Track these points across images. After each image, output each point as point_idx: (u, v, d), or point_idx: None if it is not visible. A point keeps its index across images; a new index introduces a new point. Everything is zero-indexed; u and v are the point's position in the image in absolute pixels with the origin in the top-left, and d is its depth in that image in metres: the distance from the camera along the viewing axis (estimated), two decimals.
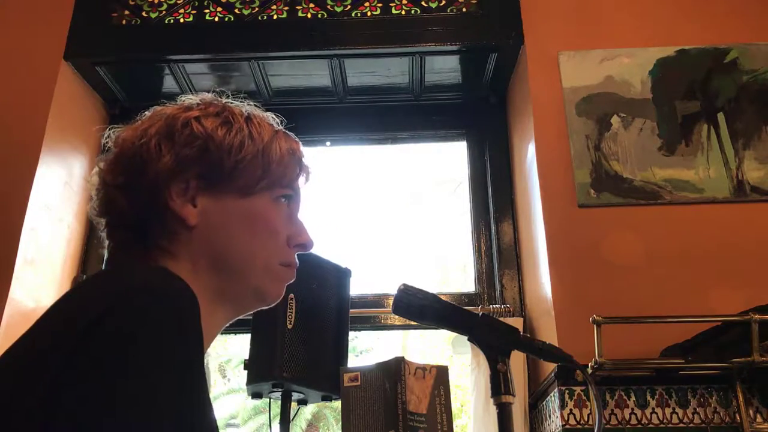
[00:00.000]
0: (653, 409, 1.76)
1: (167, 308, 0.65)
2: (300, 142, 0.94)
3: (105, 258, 0.89)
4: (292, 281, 0.90)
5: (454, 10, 2.37)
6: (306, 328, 1.60)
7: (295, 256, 0.91)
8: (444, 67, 2.46)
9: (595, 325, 1.67)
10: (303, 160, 0.93)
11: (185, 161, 0.84)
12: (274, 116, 0.94)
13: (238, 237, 0.85)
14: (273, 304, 0.90)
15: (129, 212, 0.83)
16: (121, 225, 0.85)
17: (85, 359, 0.59)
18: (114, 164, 0.86)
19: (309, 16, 2.39)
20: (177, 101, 0.92)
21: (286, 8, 2.41)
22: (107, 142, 0.90)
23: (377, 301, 2.34)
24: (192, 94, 0.93)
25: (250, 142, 0.87)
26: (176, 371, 0.62)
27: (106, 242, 0.87)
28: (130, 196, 0.84)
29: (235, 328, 0.91)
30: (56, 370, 0.59)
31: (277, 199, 0.89)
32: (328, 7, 2.40)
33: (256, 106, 0.94)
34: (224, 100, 0.92)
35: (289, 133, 0.94)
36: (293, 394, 1.60)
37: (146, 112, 0.92)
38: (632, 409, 1.76)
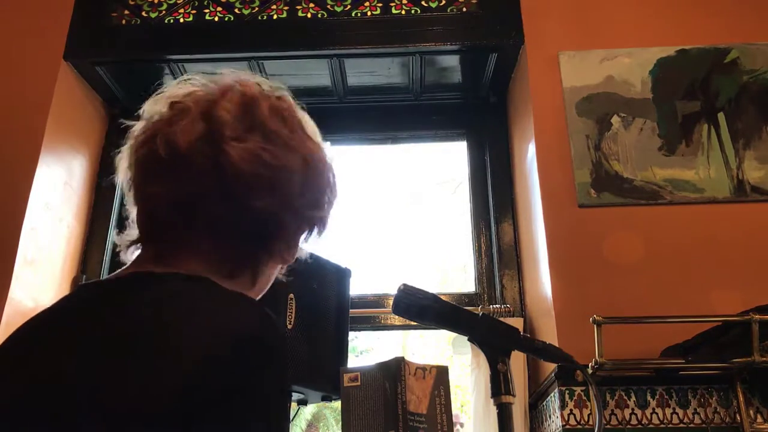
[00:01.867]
0: (653, 409, 1.76)
1: (281, 362, 0.67)
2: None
3: (139, 271, 0.80)
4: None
5: (454, 10, 2.37)
6: (306, 328, 1.59)
7: None
8: (444, 67, 2.46)
9: (595, 325, 1.67)
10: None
11: (313, 213, 0.87)
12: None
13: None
14: None
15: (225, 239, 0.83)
16: (195, 246, 0.81)
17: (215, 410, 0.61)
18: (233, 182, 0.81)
19: (309, 16, 2.39)
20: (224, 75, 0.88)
21: (286, 8, 2.41)
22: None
23: (377, 301, 2.34)
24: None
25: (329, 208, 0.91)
26: (287, 416, 0.68)
27: (136, 253, 0.84)
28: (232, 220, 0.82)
29: None
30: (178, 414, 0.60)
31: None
32: (328, 7, 2.40)
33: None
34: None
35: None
36: (293, 394, 1.60)
37: (181, 87, 0.86)
38: (632, 410, 1.76)
